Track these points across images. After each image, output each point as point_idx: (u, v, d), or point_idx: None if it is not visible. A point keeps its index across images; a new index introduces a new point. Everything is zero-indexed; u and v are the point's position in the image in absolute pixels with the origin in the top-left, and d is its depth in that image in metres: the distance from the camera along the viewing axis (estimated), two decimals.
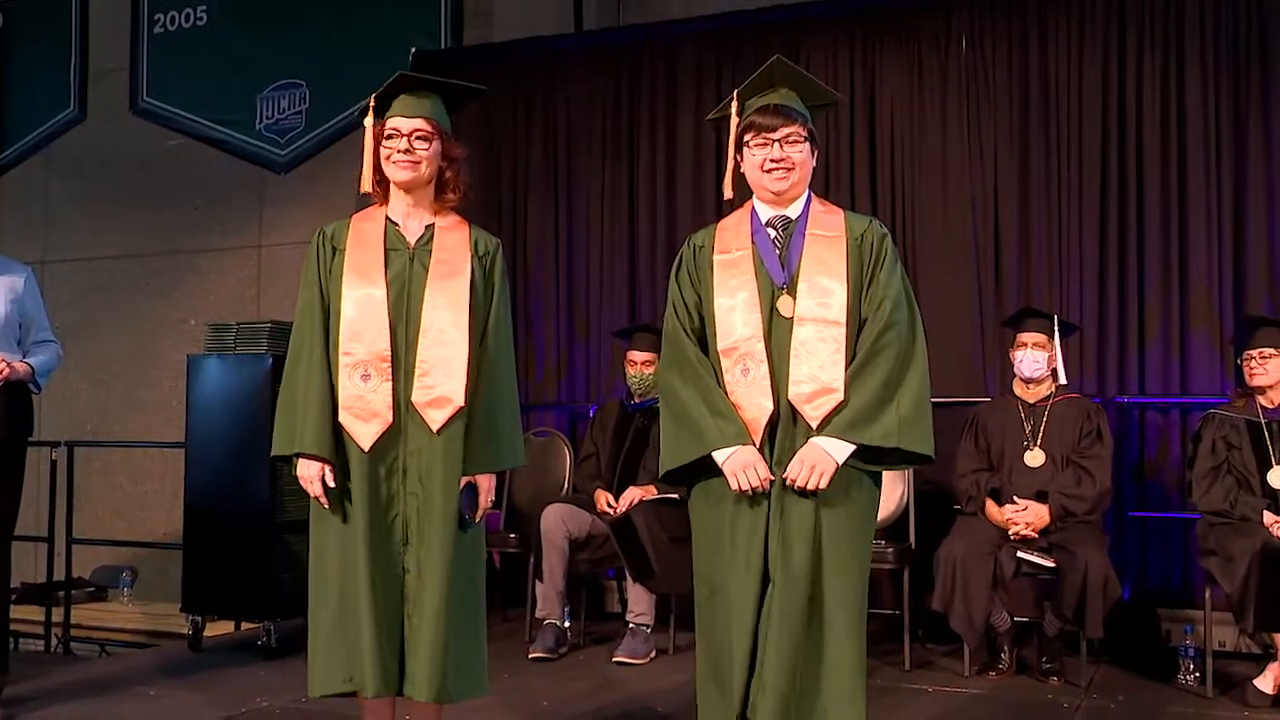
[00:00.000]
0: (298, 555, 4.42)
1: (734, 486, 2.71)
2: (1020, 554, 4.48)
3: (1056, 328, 4.67)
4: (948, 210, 5.64)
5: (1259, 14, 5.21)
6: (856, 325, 2.78)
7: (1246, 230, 5.21)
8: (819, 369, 2.72)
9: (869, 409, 2.70)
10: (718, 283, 2.84)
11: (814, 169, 2.90)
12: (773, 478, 2.72)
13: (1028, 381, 4.72)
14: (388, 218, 3.06)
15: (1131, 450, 5.29)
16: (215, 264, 7.88)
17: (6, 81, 8.68)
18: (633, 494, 4.99)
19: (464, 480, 2.99)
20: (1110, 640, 4.66)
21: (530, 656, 4.90)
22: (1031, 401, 4.72)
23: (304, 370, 2.98)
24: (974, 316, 5.56)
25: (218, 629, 5.64)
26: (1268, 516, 4.23)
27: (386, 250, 3.01)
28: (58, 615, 6.35)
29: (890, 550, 4.74)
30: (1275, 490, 4.30)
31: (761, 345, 2.75)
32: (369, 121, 3.03)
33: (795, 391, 2.72)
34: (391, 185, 3.04)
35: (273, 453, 3.01)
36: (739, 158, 2.89)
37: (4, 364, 4.09)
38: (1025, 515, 4.48)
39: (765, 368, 2.74)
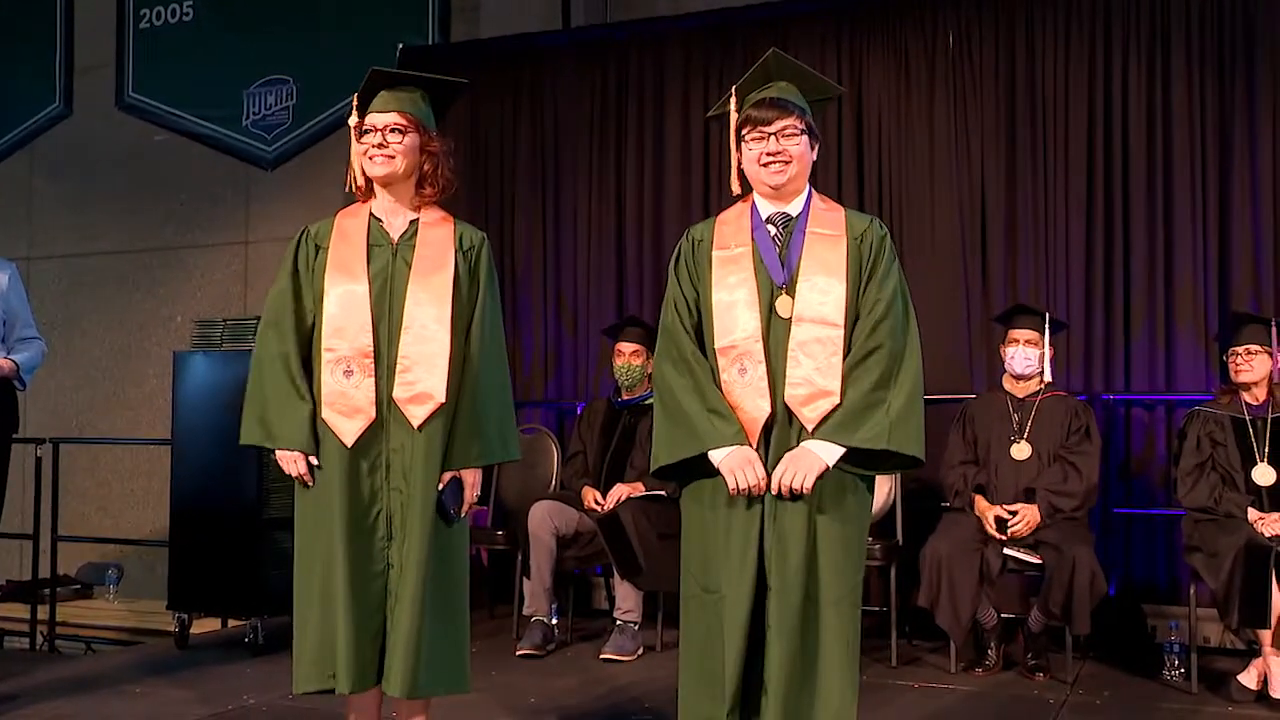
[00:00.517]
0: (284, 552, 4.40)
1: (731, 485, 2.69)
2: (1007, 550, 4.49)
3: (1047, 325, 4.69)
4: (935, 208, 5.65)
5: (1244, 13, 5.24)
6: (854, 326, 2.76)
7: (1231, 228, 5.24)
8: (815, 371, 2.70)
9: (858, 411, 2.68)
10: (716, 280, 2.81)
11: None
12: (769, 478, 2.71)
13: (1018, 377, 4.74)
14: (371, 213, 3.05)
15: (1118, 447, 5.31)
16: (202, 260, 7.86)
17: None
18: (620, 491, 5.00)
19: (449, 475, 2.98)
20: (1096, 636, 4.68)
21: (518, 653, 4.89)
22: (1020, 396, 4.74)
23: (271, 362, 2.98)
24: (961, 314, 5.57)
25: (204, 626, 5.62)
26: (1252, 513, 4.25)
27: (369, 246, 3.01)
28: (43, 613, 6.33)
29: (877, 547, 4.75)
30: (1259, 487, 4.32)
31: (760, 345, 2.73)
32: (353, 121, 3.03)
33: (791, 394, 2.71)
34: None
35: (241, 440, 3.02)
36: (739, 153, 2.86)
37: None
38: (1017, 522, 4.48)
39: (763, 368, 2.72)
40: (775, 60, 2.88)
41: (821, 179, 5.75)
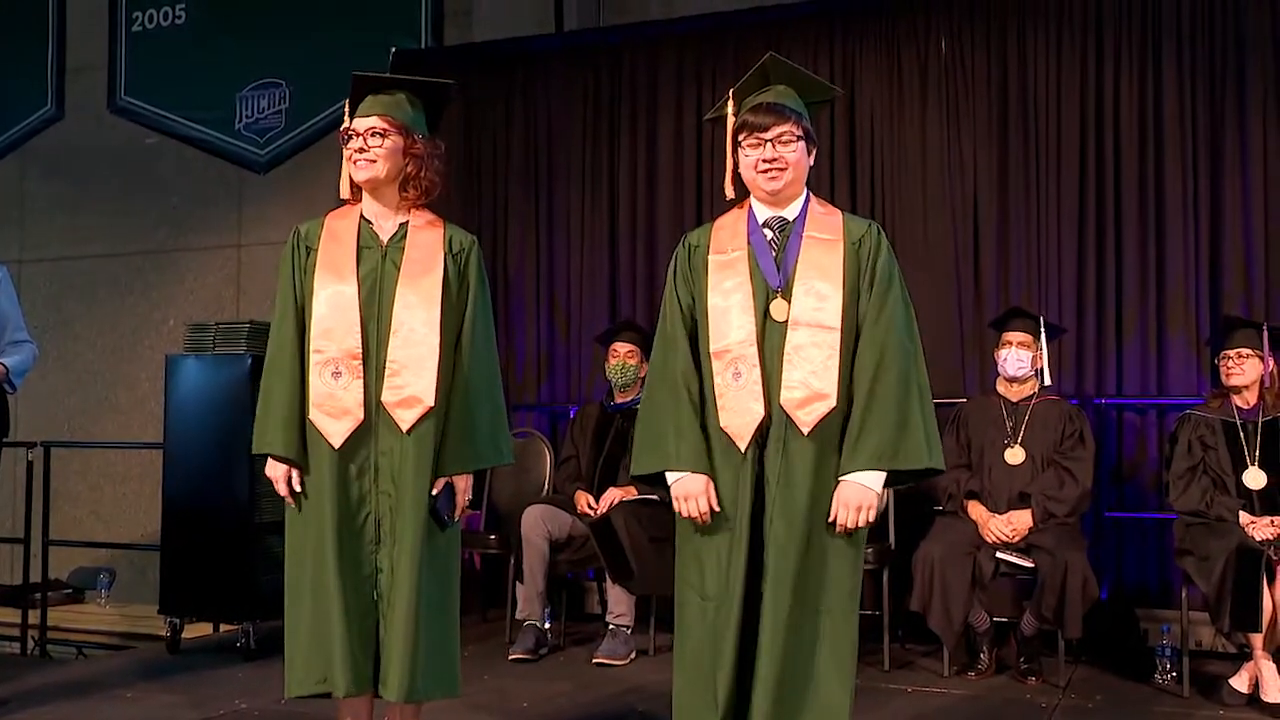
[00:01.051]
0: (276, 556, 4.38)
1: (681, 512, 2.77)
2: (999, 554, 4.50)
3: (1043, 329, 4.70)
4: (927, 211, 5.66)
5: (1235, 20, 5.25)
6: (852, 330, 2.76)
7: (1222, 233, 5.25)
8: (811, 375, 2.71)
9: (893, 433, 2.70)
10: (712, 284, 2.81)
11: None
12: (718, 509, 2.74)
13: (1011, 380, 4.75)
14: (362, 215, 3.05)
15: (1109, 451, 5.32)
16: (194, 264, 7.85)
17: None
18: (613, 495, 5.00)
19: (442, 481, 2.98)
20: (1088, 640, 4.68)
21: (510, 658, 4.89)
22: (1014, 400, 4.74)
23: (275, 371, 2.99)
24: (953, 318, 5.58)
25: (196, 631, 5.61)
26: (1243, 517, 4.26)
27: (359, 248, 3.00)
28: (34, 617, 6.32)
29: (870, 550, 4.74)
30: (1250, 490, 4.34)
31: (754, 349, 2.74)
32: (342, 126, 3.03)
33: (787, 397, 2.71)
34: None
35: (252, 450, 3.02)
36: (735, 158, 2.86)
37: None
38: (1008, 526, 4.49)
39: (758, 372, 2.73)
40: (772, 64, 2.88)
41: (814, 183, 5.65)
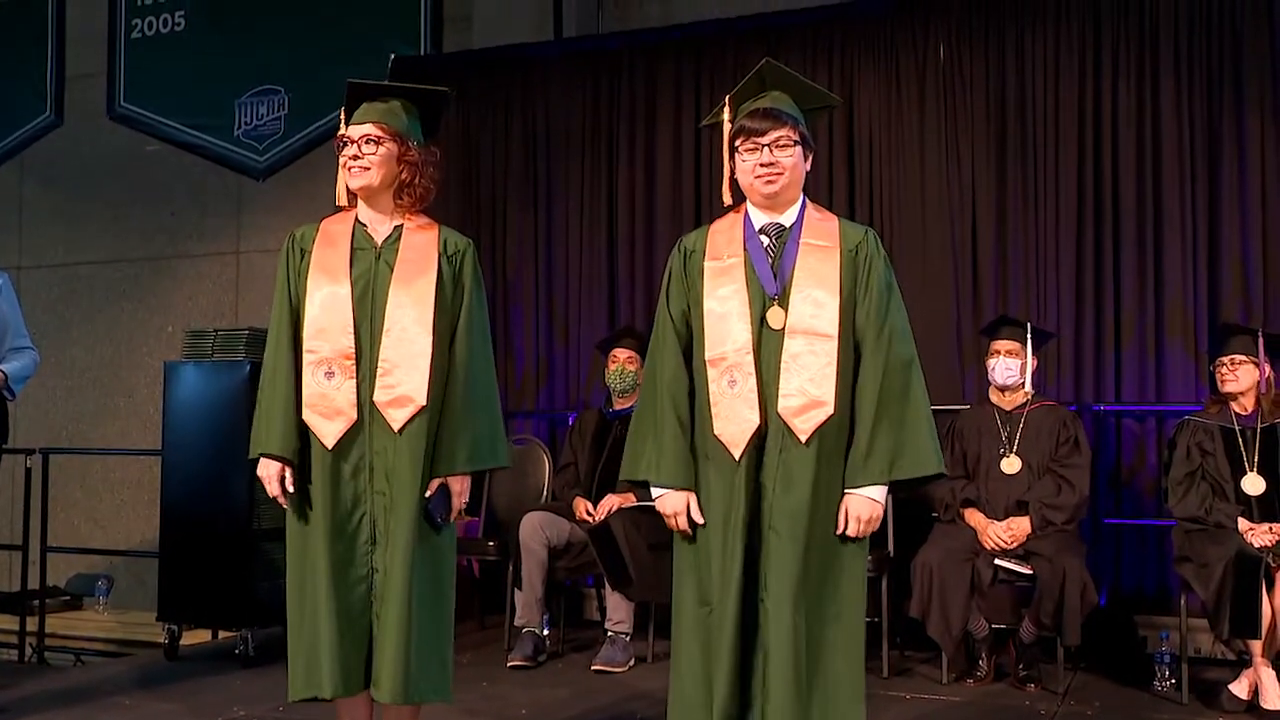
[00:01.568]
0: (275, 563, 4.40)
1: (668, 525, 2.80)
2: (998, 561, 4.49)
3: (1029, 336, 4.70)
4: (925, 218, 5.66)
5: (1232, 26, 5.26)
6: (849, 337, 2.77)
7: (1220, 239, 5.25)
8: (809, 382, 2.71)
9: (900, 445, 2.72)
10: (708, 290, 2.81)
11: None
12: (701, 524, 2.76)
13: (1002, 389, 4.75)
14: (357, 219, 3.07)
15: (1108, 458, 5.32)
16: (193, 270, 7.85)
17: None
18: (611, 502, 4.99)
19: (436, 482, 2.98)
20: (1087, 647, 4.67)
21: (509, 665, 4.88)
22: (1008, 409, 4.74)
23: (271, 374, 3.01)
24: (951, 324, 5.58)
25: (194, 638, 5.60)
26: (1242, 523, 4.26)
27: (353, 250, 3.02)
28: (32, 624, 6.31)
29: (868, 557, 4.73)
30: (1249, 496, 4.33)
31: (750, 357, 2.74)
32: (338, 134, 3.05)
33: (785, 405, 2.71)
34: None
35: (249, 453, 3.04)
36: (732, 164, 2.86)
37: None
38: (1008, 532, 4.49)
39: (753, 380, 2.73)
40: (769, 70, 2.88)
41: (812, 190, 5.69)
